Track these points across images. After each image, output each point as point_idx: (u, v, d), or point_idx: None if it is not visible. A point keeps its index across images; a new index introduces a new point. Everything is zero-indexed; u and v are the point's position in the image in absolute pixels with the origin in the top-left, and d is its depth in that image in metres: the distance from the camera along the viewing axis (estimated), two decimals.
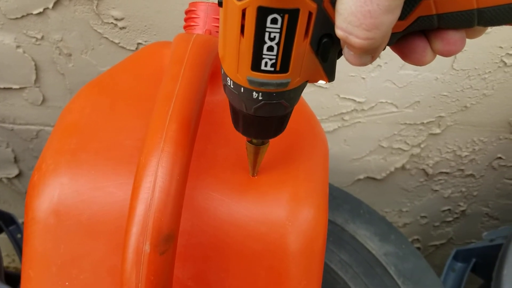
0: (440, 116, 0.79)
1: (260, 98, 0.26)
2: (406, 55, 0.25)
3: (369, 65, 0.69)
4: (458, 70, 0.71)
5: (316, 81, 0.27)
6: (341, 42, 0.23)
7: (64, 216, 0.33)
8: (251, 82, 0.24)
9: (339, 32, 0.22)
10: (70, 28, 0.65)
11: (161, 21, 0.64)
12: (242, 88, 0.25)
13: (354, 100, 0.75)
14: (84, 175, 0.34)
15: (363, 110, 0.77)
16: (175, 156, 0.29)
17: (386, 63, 0.70)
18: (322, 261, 0.37)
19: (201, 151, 0.36)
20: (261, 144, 0.32)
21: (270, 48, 0.23)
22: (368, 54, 0.23)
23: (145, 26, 0.65)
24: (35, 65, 0.71)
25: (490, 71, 0.71)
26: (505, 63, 0.70)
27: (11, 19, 0.64)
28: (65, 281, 0.33)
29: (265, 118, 0.28)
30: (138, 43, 0.67)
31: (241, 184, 0.35)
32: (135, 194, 0.28)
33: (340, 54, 0.25)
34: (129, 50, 0.68)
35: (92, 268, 0.33)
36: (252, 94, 0.25)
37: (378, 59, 0.68)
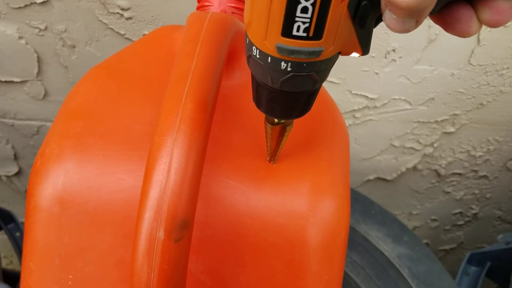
0: (455, 114, 0.77)
1: (289, 69, 0.23)
2: (450, 25, 0.23)
3: (383, 59, 0.67)
4: (475, 66, 0.69)
5: (349, 54, 0.24)
6: (383, 5, 0.21)
7: (69, 204, 0.31)
8: (280, 50, 0.22)
9: None
10: (74, 18, 0.63)
11: (169, 11, 0.62)
12: (269, 58, 0.23)
13: (366, 97, 0.73)
14: (91, 161, 0.31)
15: (375, 107, 0.75)
16: (192, 136, 0.26)
17: (401, 57, 0.67)
18: (344, 255, 0.35)
19: (215, 136, 0.34)
20: (283, 126, 0.30)
21: (305, 9, 0.20)
22: (413, 17, 0.21)
23: (152, 16, 0.63)
24: (38, 57, 0.68)
25: (508, 67, 0.69)
26: None
27: (14, 8, 0.62)
28: (69, 274, 0.31)
29: (292, 93, 0.25)
30: (144, 35, 0.65)
31: (258, 171, 0.33)
32: (148, 176, 0.25)
33: (377, 21, 0.23)
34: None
35: (98, 261, 0.31)
36: (280, 65, 0.23)
37: (392, 52, 0.66)
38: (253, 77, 0.26)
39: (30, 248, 0.32)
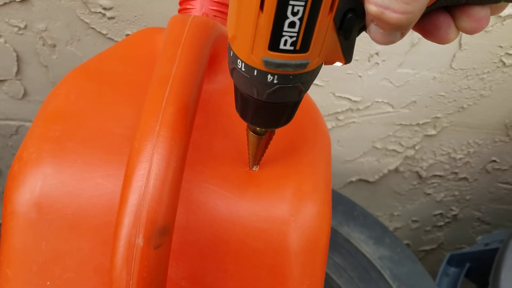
0: (436, 117, 0.78)
1: (275, 81, 0.23)
2: (430, 32, 0.23)
3: (367, 63, 0.68)
4: (456, 70, 0.69)
5: (333, 63, 0.25)
6: (368, 18, 0.21)
7: (47, 210, 0.30)
8: (267, 63, 0.22)
9: (372, 8, 0.20)
10: (55, 17, 0.62)
11: (152, 11, 0.62)
12: (255, 71, 0.23)
13: (350, 99, 0.74)
14: (70, 165, 0.31)
15: (358, 109, 0.75)
16: (172, 142, 0.26)
17: (384, 60, 0.68)
18: (325, 260, 0.35)
19: (197, 142, 0.33)
20: (265, 134, 0.30)
21: (292, 24, 0.20)
22: (400, 30, 0.21)
23: (135, 16, 0.62)
24: (17, 56, 0.67)
25: (488, 71, 0.70)
26: (504, 63, 0.68)
27: None
28: (47, 281, 0.30)
29: (277, 104, 0.25)
30: (127, 35, 0.64)
31: (241, 177, 0.32)
32: (127, 182, 0.25)
33: (360, 31, 0.23)
34: (116, 41, 0.65)
35: (77, 267, 0.30)
36: (267, 78, 0.23)
37: (376, 56, 0.67)
38: (236, 89, 0.26)
39: (7, 254, 0.31)
